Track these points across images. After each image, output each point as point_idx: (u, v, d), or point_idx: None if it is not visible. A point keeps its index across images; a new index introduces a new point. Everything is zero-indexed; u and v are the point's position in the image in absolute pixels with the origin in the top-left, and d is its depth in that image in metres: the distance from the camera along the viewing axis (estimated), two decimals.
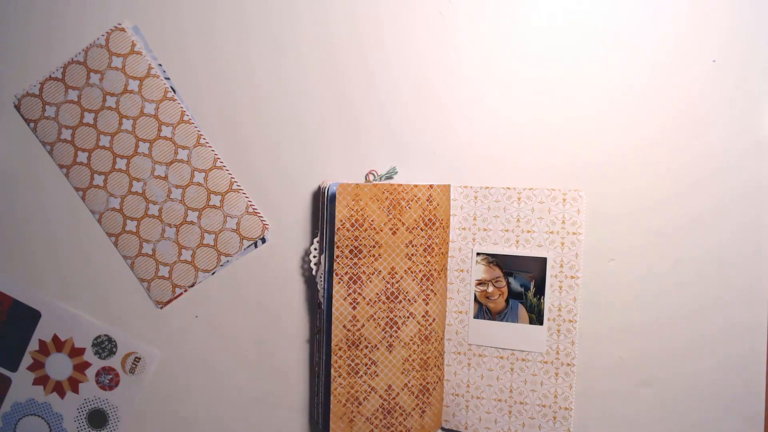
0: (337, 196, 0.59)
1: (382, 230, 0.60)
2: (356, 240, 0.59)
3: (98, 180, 0.64)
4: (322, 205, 0.61)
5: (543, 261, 0.62)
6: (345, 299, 0.60)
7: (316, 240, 0.62)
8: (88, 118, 0.63)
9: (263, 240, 0.65)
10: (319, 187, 0.63)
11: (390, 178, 0.63)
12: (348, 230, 0.59)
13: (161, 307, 0.67)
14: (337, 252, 0.59)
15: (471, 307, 0.63)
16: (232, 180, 0.64)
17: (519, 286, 0.62)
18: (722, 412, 0.61)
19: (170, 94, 0.63)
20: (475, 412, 0.63)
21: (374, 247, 0.60)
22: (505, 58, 0.62)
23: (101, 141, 0.64)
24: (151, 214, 0.65)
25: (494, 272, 0.63)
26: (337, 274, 0.59)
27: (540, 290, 0.62)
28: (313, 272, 0.62)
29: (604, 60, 0.61)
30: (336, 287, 0.59)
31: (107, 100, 0.63)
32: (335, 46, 0.63)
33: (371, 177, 0.63)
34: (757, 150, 0.60)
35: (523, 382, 0.63)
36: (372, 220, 0.59)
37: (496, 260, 0.63)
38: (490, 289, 0.63)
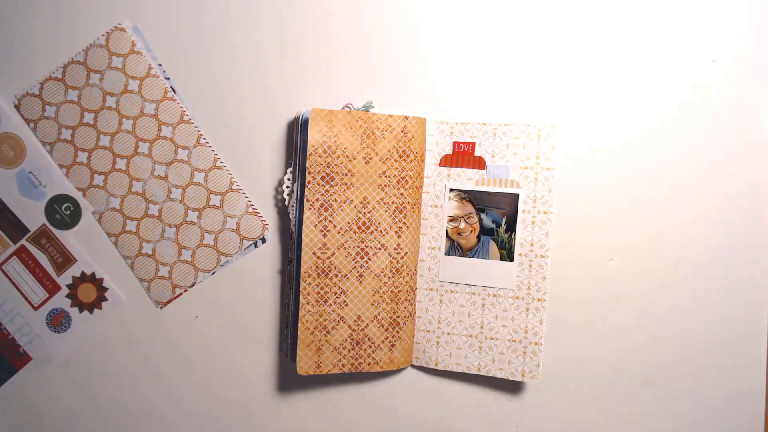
0: (310, 120, 0.59)
1: (355, 158, 0.60)
2: (328, 167, 0.59)
3: (98, 180, 0.64)
4: (296, 132, 0.61)
5: (515, 197, 0.62)
6: (315, 226, 0.60)
7: (289, 170, 0.62)
8: (88, 118, 0.63)
9: (263, 240, 0.65)
10: (295, 118, 0.63)
11: (366, 111, 0.63)
12: (320, 156, 0.59)
13: (161, 307, 0.66)
14: (308, 178, 0.59)
15: (443, 243, 0.63)
16: (232, 180, 0.64)
17: (491, 223, 0.62)
18: (722, 411, 0.61)
19: (170, 94, 0.63)
20: (445, 348, 0.63)
21: (346, 175, 0.60)
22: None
23: (101, 141, 0.64)
24: (151, 214, 0.65)
25: (467, 208, 0.63)
26: (308, 200, 0.59)
27: (511, 226, 0.62)
28: (286, 202, 0.62)
29: (604, 60, 0.61)
30: (307, 213, 0.59)
31: (107, 100, 0.63)
32: (336, 44, 0.63)
33: (347, 110, 0.63)
34: (757, 150, 0.60)
35: (494, 318, 0.62)
36: (345, 148, 0.60)
37: (468, 196, 0.63)
38: (462, 225, 0.63)
